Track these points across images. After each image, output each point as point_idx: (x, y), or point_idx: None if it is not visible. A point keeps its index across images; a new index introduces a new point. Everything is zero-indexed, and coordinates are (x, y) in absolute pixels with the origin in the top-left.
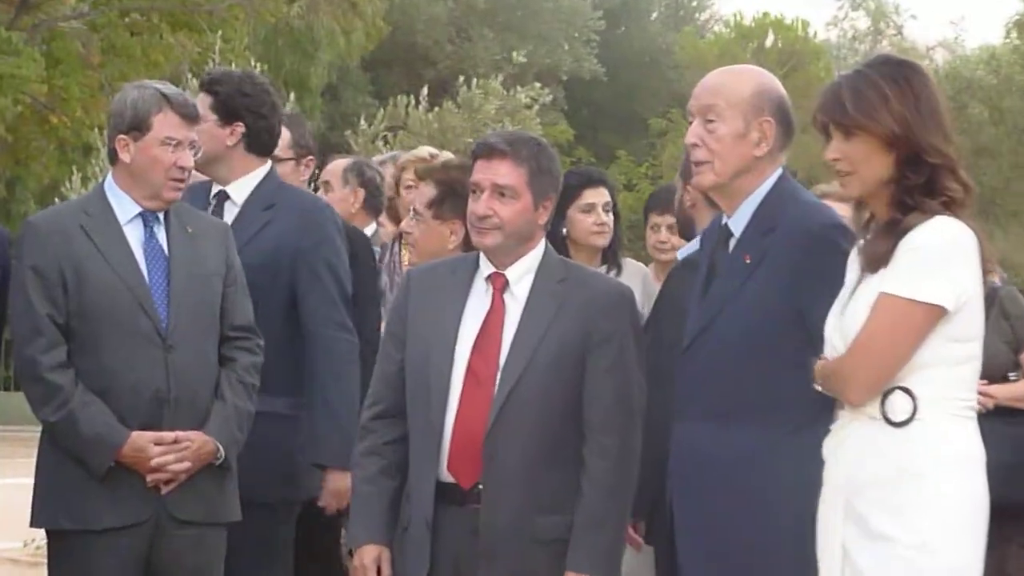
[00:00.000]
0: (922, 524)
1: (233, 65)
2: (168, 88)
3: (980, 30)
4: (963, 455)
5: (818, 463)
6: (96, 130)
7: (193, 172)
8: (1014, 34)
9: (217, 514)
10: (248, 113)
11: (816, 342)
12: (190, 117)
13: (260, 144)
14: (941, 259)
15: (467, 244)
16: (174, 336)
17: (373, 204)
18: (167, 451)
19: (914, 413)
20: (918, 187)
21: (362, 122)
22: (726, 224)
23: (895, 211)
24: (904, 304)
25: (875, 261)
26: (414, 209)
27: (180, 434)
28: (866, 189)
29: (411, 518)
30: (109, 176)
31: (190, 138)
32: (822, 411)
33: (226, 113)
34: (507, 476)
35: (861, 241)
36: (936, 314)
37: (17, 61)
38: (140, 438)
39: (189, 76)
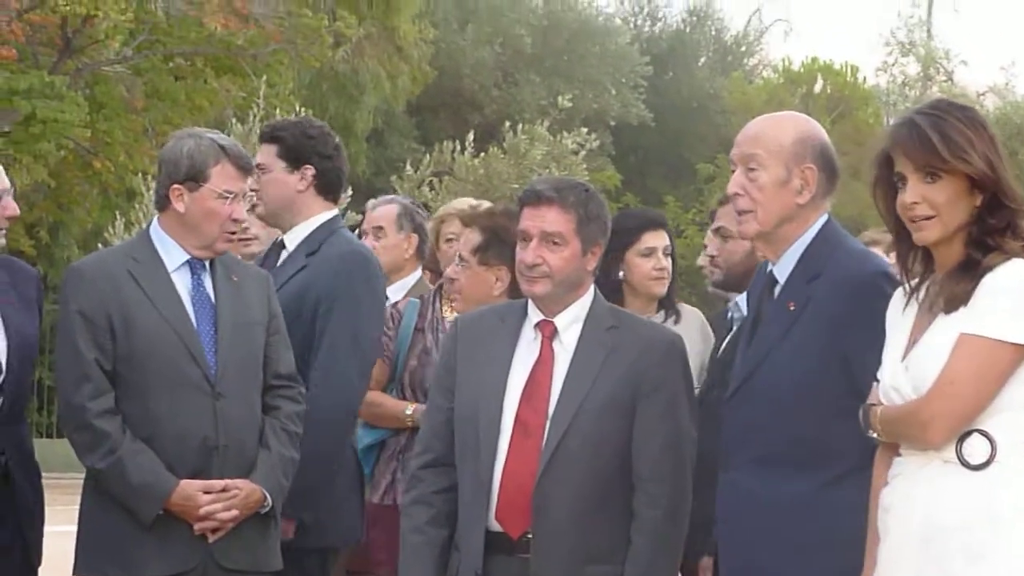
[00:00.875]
0: (1008, 570)
1: (278, 110)
2: (224, 139)
3: None
4: None
5: (863, 512)
6: (140, 175)
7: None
8: None
9: (261, 563)
10: (316, 155)
11: (862, 390)
12: (246, 169)
13: (329, 185)
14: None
15: (513, 290)
16: (222, 384)
17: (422, 250)
18: (216, 499)
19: (992, 456)
20: (998, 230)
21: (408, 167)
22: (771, 271)
23: (974, 252)
24: (991, 345)
25: (953, 301)
26: (460, 256)
27: (229, 482)
28: (947, 233)
29: (460, 568)
30: (155, 222)
31: (245, 190)
32: (868, 460)
33: (294, 158)
34: (557, 526)
35: (907, 285)
36: (1021, 354)
37: (60, 106)
38: (189, 486)
39: (234, 121)
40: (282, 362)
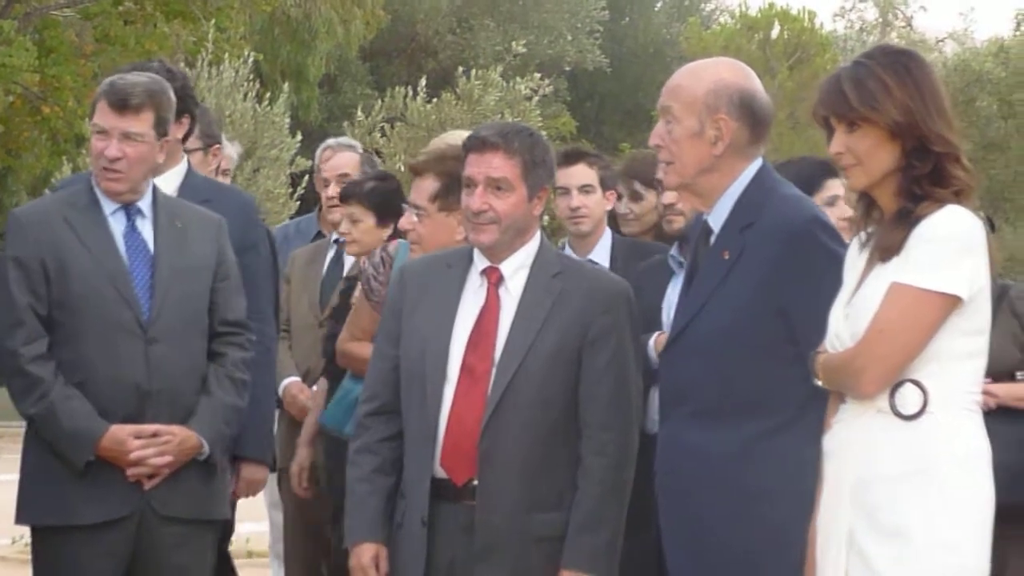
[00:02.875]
0: (940, 521)
1: (227, 56)
2: (122, 78)
3: (990, 22)
4: (975, 451)
5: (807, 459)
6: (88, 120)
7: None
8: None
9: (203, 511)
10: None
11: (798, 339)
12: (119, 106)
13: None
14: (956, 248)
15: None
16: (156, 328)
17: None
18: (147, 444)
19: (924, 406)
20: (925, 176)
21: (359, 113)
22: (705, 221)
23: (904, 201)
24: (919, 293)
25: (886, 251)
26: (415, 205)
27: (161, 427)
28: (871, 181)
29: (406, 515)
30: None
31: (119, 127)
32: (809, 407)
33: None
34: (502, 473)
35: (863, 233)
36: (951, 304)
37: (8, 50)
38: (120, 431)
39: (182, 66)
40: (230, 308)
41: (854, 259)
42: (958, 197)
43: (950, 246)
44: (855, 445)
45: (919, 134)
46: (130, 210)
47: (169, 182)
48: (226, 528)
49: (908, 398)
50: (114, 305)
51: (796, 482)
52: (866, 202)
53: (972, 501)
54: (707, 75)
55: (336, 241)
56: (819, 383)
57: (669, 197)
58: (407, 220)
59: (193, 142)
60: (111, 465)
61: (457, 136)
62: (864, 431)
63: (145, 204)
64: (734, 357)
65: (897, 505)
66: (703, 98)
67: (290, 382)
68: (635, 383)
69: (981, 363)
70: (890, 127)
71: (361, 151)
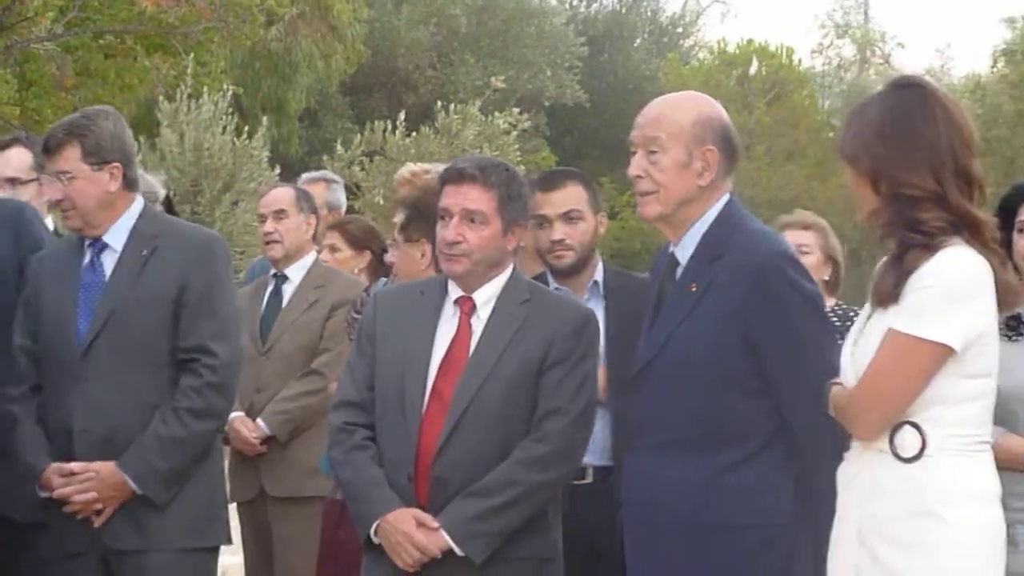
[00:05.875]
0: (944, 563)
1: (206, 89)
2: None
3: (967, 59)
4: (974, 492)
5: (771, 492)
6: None
7: None
8: (1001, 63)
9: (152, 542)
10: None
11: (766, 372)
12: (46, 152)
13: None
14: (948, 296)
15: (438, 264)
16: (90, 366)
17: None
18: (67, 483)
19: (923, 449)
20: (900, 222)
21: (339, 147)
22: (672, 253)
23: (895, 245)
24: (912, 342)
25: (884, 297)
26: (393, 238)
27: (82, 465)
28: (866, 220)
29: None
30: None
31: (53, 170)
32: (775, 439)
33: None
34: (452, 496)
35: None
36: (942, 353)
37: None
38: (49, 469)
39: (162, 99)
40: (191, 334)
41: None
42: (948, 236)
43: (943, 294)
44: (859, 484)
45: (881, 178)
46: (96, 245)
47: None
48: None
49: (907, 440)
50: (60, 345)
51: (760, 515)
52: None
53: (975, 543)
54: (689, 106)
55: (274, 275)
56: (831, 413)
57: (558, 232)
58: (391, 253)
59: (27, 173)
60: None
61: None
62: (867, 470)
63: (114, 237)
64: (701, 389)
65: (899, 547)
66: (690, 129)
67: (234, 417)
68: (591, 404)
69: (987, 403)
70: (864, 172)
71: (337, 183)
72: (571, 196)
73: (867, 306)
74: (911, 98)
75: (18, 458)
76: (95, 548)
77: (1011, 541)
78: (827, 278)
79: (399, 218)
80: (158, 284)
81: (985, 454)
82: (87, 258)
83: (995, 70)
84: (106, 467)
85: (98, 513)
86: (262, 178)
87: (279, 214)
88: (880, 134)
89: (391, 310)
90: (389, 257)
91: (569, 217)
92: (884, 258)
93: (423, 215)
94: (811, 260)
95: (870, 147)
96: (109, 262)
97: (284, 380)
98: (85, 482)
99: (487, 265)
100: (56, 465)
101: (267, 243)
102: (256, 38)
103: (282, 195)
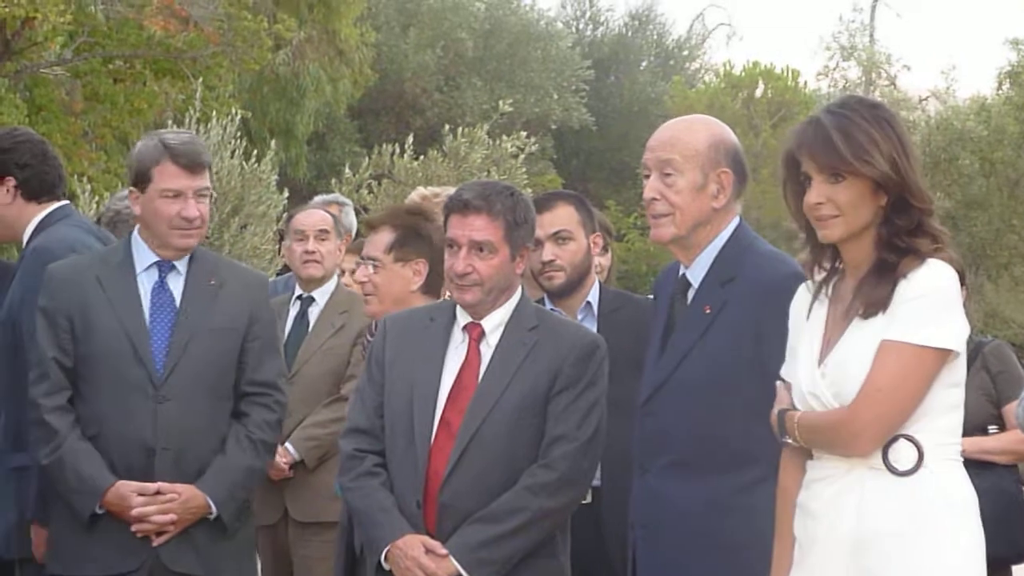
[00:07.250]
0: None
1: (215, 113)
2: (174, 138)
3: (972, 81)
4: (969, 499)
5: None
6: (76, 177)
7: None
8: (1006, 85)
9: (210, 569)
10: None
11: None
12: (189, 167)
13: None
14: (946, 303)
15: (429, 283)
16: (168, 388)
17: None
18: (149, 502)
19: (920, 461)
20: (907, 230)
21: (347, 170)
22: (683, 275)
23: (886, 254)
24: (916, 351)
25: (872, 306)
26: (370, 258)
27: (165, 486)
28: (850, 233)
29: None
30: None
31: (193, 187)
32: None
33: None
34: (459, 524)
35: (811, 284)
36: (944, 358)
37: None
38: (124, 487)
39: (171, 124)
40: (261, 369)
41: (802, 309)
42: (936, 251)
43: (939, 301)
44: (849, 502)
45: (902, 189)
46: (163, 266)
47: None
48: None
49: (902, 454)
50: (129, 362)
51: (770, 537)
52: (824, 252)
53: (973, 550)
54: (702, 129)
55: (298, 297)
56: (789, 441)
57: (548, 253)
58: (362, 273)
59: None
60: (120, 520)
61: (426, 191)
62: (857, 488)
63: (181, 260)
64: (713, 411)
65: (903, 562)
66: (706, 152)
67: None
68: (600, 431)
69: (961, 414)
70: (876, 180)
71: (348, 206)
72: (560, 217)
73: (814, 318)
74: (896, 118)
75: (64, 473)
76: (143, 568)
77: None
78: None
79: (385, 239)
80: (229, 315)
81: (961, 462)
82: (155, 277)
83: (1000, 92)
84: (189, 489)
85: (158, 533)
86: (271, 202)
87: (322, 234)
88: (903, 145)
89: (400, 336)
90: (360, 275)
91: (559, 237)
92: (848, 274)
93: (418, 233)
94: None
95: (890, 155)
96: (175, 285)
97: (309, 406)
98: (167, 503)
99: (498, 291)
100: (137, 484)
101: (306, 262)
102: (264, 62)
103: (325, 217)
